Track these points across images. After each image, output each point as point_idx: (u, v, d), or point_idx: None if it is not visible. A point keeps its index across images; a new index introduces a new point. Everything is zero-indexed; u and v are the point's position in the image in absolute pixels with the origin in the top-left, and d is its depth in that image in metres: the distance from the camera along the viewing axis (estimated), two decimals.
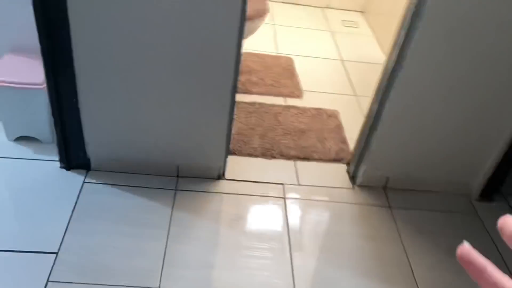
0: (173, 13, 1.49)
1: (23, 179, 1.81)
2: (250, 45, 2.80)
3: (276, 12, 3.43)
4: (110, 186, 1.82)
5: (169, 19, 1.50)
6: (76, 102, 1.67)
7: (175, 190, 1.85)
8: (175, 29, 1.52)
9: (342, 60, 2.98)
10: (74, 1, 1.43)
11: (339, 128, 2.33)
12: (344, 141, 2.25)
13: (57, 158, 1.85)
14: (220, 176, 1.94)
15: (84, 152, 1.82)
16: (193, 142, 1.83)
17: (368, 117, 1.93)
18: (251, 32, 2.35)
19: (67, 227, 1.63)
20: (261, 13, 2.27)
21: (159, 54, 1.58)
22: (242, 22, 1.54)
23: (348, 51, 3.10)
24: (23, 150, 1.91)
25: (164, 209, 1.77)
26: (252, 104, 2.40)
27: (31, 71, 1.78)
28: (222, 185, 1.92)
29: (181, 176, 1.91)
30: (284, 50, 2.98)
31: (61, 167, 1.86)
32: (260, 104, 2.41)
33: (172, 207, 1.78)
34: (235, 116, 2.26)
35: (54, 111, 1.70)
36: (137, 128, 1.78)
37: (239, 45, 1.59)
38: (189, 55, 1.58)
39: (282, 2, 3.59)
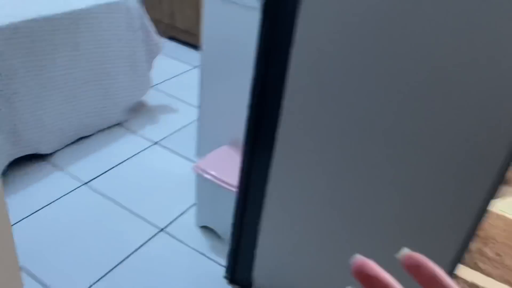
0: (395, 157, 1.16)
1: (187, 273, 1.72)
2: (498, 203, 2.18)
3: None
4: None
5: (385, 160, 1.18)
6: (258, 223, 1.50)
7: None
8: (390, 174, 1.19)
9: None
10: (286, 124, 1.27)
11: None
12: None
13: (225, 264, 1.71)
14: None
15: (250, 274, 1.62)
16: None
17: None
18: (509, 195, 1.79)
19: None
20: None
21: (357, 201, 1.26)
22: (497, 186, 1.10)
23: None
24: (202, 240, 1.85)
25: None
26: (473, 286, 1.79)
27: (234, 170, 1.71)
28: None
29: None
30: None
31: (224, 277, 1.70)
32: None
33: None
34: None
35: (236, 222, 1.57)
36: (308, 271, 1.48)
37: (482, 211, 1.14)
38: (404, 209, 1.22)
39: None
